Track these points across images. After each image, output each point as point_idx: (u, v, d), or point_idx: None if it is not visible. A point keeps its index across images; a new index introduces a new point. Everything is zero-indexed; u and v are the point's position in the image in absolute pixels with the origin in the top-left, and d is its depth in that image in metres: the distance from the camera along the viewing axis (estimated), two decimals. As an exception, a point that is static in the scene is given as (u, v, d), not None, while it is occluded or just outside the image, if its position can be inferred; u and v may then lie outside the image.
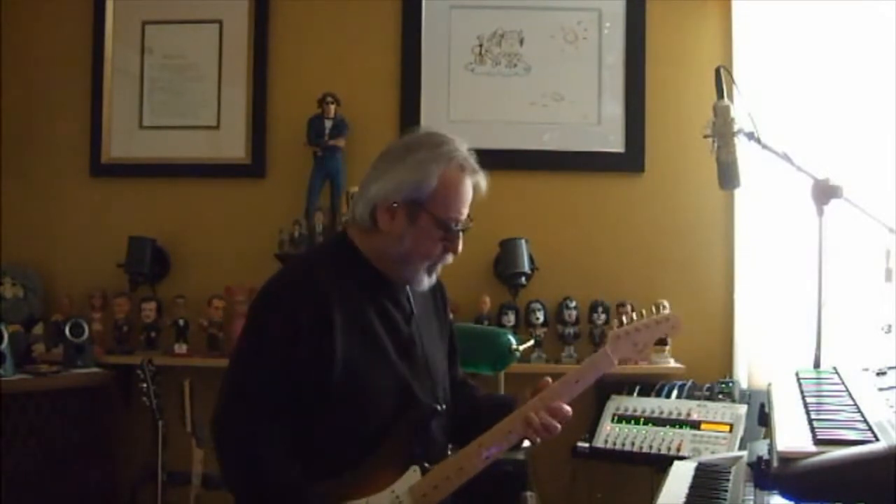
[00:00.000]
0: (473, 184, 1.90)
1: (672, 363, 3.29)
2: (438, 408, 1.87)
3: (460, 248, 1.89)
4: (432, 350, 1.94)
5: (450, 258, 1.90)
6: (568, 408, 1.84)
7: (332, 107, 3.37)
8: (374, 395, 1.81)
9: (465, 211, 1.88)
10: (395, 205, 1.82)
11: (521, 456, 2.91)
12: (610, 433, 3.03)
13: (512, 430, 1.81)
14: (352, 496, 1.75)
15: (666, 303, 1.97)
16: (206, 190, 3.56)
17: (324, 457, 1.79)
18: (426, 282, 1.90)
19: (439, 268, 1.92)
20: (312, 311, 1.76)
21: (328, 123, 3.37)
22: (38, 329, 3.44)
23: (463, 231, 1.89)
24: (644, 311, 1.91)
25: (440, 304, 2.06)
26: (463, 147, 1.92)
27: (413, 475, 1.79)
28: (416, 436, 1.82)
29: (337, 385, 1.77)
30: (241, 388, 1.80)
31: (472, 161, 1.91)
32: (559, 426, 1.83)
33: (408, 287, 1.93)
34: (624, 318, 1.92)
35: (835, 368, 1.97)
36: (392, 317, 1.88)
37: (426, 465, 1.80)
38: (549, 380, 1.87)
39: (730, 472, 2.05)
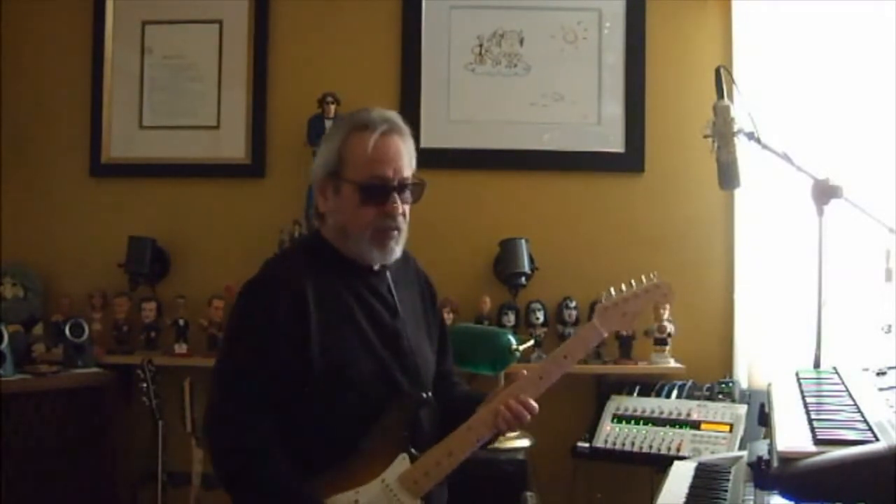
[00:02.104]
0: (388, 140, 1.84)
1: (672, 363, 3.29)
2: (424, 395, 1.86)
3: (400, 208, 1.84)
4: (419, 343, 1.94)
5: (397, 223, 1.85)
6: (535, 404, 1.82)
7: (332, 107, 3.37)
8: (357, 385, 1.82)
9: (388, 169, 1.83)
10: (321, 184, 1.87)
11: (521, 456, 2.92)
12: (610, 433, 3.03)
13: (499, 412, 1.81)
14: (342, 488, 1.77)
15: (656, 273, 1.93)
16: (206, 190, 3.56)
17: (313, 449, 1.80)
18: (377, 255, 1.87)
19: (397, 237, 1.87)
20: (288, 303, 1.80)
21: (328, 123, 3.36)
22: (38, 329, 3.44)
23: (400, 190, 1.84)
24: (633, 281, 1.87)
25: (428, 298, 2.06)
26: (378, 112, 1.88)
27: (402, 463, 1.79)
28: (405, 424, 1.83)
29: (319, 375, 1.79)
30: (226, 384, 1.84)
31: (383, 120, 1.86)
32: (528, 415, 1.82)
33: (389, 279, 1.93)
34: (612, 289, 1.88)
35: (835, 368, 1.98)
36: (375, 309, 1.89)
37: (414, 452, 1.80)
38: (525, 372, 1.87)
39: (730, 472, 2.06)
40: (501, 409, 1.80)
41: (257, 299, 1.85)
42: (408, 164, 1.88)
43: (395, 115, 1.90)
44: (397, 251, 1.90)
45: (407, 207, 1.89)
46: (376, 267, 1.92)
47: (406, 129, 1.91)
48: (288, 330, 1.79)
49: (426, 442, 1.84)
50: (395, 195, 1.84)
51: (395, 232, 1.86)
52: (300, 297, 1.80)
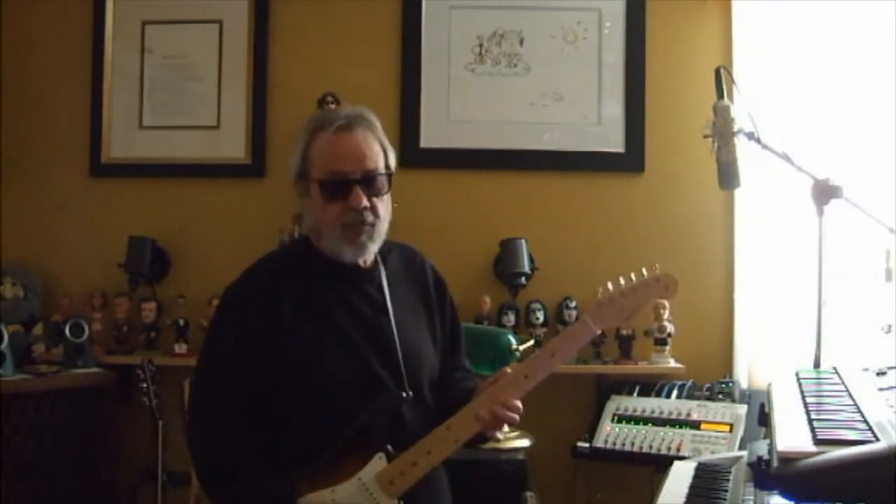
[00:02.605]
0: (346, 135, 1.84)
1: (672, 363, 3.29)
2: (404, 394, 1.85)
3: (363, 201, 1.82)
4: (410, 339, 1.92)
5: (363, 217, 1.83)
6: (518, 403, 1.79)
7: (332, 107, 3.37)
8: (336, 384, 1.82)
9: (346, 163, 1.83)
10: (294, 186, 1.92)
11: (521, 456, 2.92)
12: (610, 433, 3.03)
13: (478, 413, 1.78)
14: (318, 485, 1.76)
15: (657, 265, 1.82)
16: (206, 190, 3.56)
17: (291, 448, 1.81)
18: (349, 252, 1.87)
19: (369, 232, 1.85)
20: (261, 308, 1.82)
21: (328, 123, 3.36)
22: (38, 329, 3.44)
23: (365, 183, 1.83)
24: (633, 275, 1.80)
25: (434, 297, 2.03)
26: (343, 109, 1.91)
27: (379, 462, 1.78)
28: (384, 423, 1.82)
29: (296, 376, 1.81)
30: (200, 389, 1.87)
31: (342, 116, 1.87)
32: (515, 418, 1.79)
33: (381, 277, 1.93)
34: (609, 283, 1.81)
35: (835, 368, 1.97)
36: (359, 308, 1.88)
37: (391, 450, 1.79)
38: (508, 370, 1.84)
39: (730, 472, 2.05)
40: (484, 415, 1.77)
41: (231, 305, 1.89)
42: (373, 157, 1.86)
43: (358, 110, 1.90)
44: (371, 246, 1.88)
45: (380, 201, 1.86)
46: (363, 265, 1.92)
47: (372, 123, 1.89)
48: (260, 334, 1.81)
49: (412, 440, 1.82)
50: (357, 189, 1.82)
51: (366, 226, 1.85)
52: (274, 301, 1.82)
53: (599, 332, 1.84)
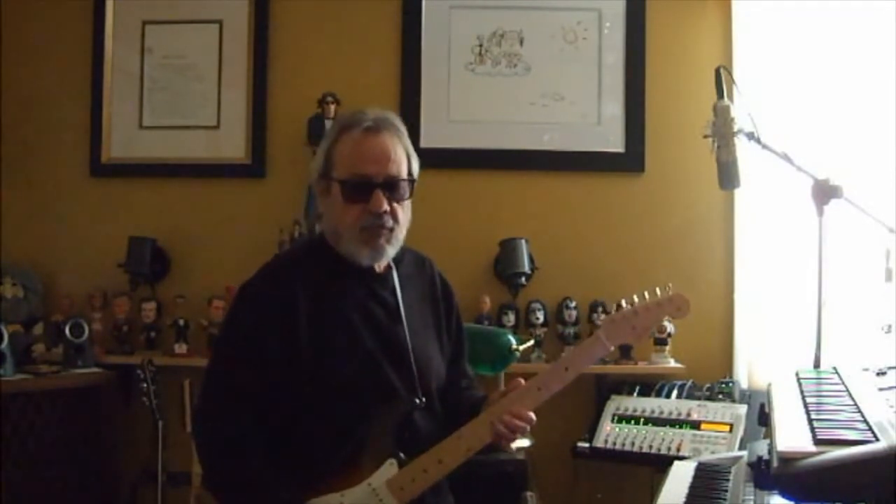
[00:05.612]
0: (371, 138, 1.84)
1: (672, 363, 3.30)
2: (417, 401, 1.85)
3: (383, 205, 1.82)
4: (421, 345, 1.92)
5: (382, 221, 1.83)
6: (532, 414, 1.80)
7: (332, 107, 3.37)
8: (348, 388, 1.81)
9: (369, 166, 1.82)
10: (317, 185, 1.90)
11: (521, 456, 2.91)
12: (610, 433, 3.03)
13: (492, 423, 1.79)
14: (328, 490, 1.76)
15: (671, 285, 1.87)
16: (206, 190, 3.56)
17: (303, 451, 1.81)
18: (366, 255, 1.86)
19: (387, 236, 1.84)
20: (277, 307, 1.81)
21: (328, 123, 3.36)
22: (38, 329, 3.44)
23: (387, 188, 1.83)
24: (646, 293, 1.83)
25: (443, 304, 2.04)
26: (371, 111, 1.88)
27: (390, 468, 1.78)
28: (396, 429, 1.82)
29: (309, 378, 1.80)
30: (210, 385, 1.86)
31: (369, 119, 1.86)
32: (525, 427, 1.81)
33: (394, 282, 1.92)
34: (623, 301, 1.84)
35: (835, 368, 1.97)
36: (373, 312, 1.88)
37: (403, 457, 1.79)
38: (522, 381, 1.85)
39: (730, 472, 2.05)
40: (497, 424, 1.78)
41: (246, 303, 1.87)
42: (397, 162, 1.85)
43: (386, 114, 1.90)
44: (389, 250, 1.88)
45: (400, 206, 1.86)
46: (378, 269, 1.92)
47: (398, 128, 1.89)
48: (275, 333, 1.80)
49: (423, 447, 1.82)
50: (379, 192, 1.82)
51: (384, 230, 1.84)
52: (290, 301, 1.81)
53: (612, 348, 1.86)
